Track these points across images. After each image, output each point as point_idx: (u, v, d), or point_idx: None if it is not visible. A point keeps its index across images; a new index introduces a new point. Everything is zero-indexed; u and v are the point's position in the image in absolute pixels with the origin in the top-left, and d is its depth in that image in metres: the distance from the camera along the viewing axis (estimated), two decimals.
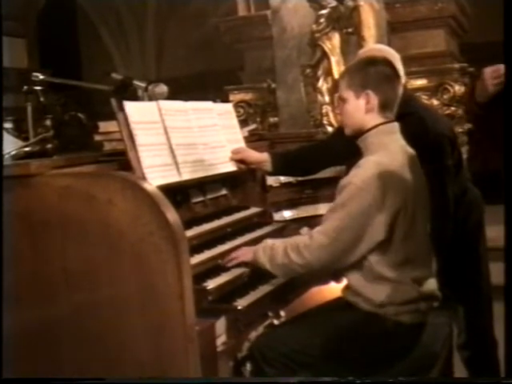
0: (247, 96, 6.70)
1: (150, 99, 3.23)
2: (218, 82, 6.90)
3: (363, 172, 2.76)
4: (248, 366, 2.93)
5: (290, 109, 6.24)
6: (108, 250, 2.22)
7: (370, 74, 2.86)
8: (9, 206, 2.32)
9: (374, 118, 2.86)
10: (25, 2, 9.09)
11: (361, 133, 2.89)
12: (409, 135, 2.95)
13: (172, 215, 2.16)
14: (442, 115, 4.51)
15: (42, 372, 2.35)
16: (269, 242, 2.95)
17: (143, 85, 3.10)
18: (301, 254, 2.76)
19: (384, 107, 2.85)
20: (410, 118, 3.17)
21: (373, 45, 4.33)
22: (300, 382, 2.76)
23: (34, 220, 2.30)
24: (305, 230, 3.32)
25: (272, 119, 6.43)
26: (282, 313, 3.21)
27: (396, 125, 2.90)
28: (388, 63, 2.94)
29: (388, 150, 2.82)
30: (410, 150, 2.91)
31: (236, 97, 6.65)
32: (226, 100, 5.91)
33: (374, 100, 2.84)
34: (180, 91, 4.50)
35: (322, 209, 3.91)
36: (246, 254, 2.96)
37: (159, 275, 2.15)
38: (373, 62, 2.92)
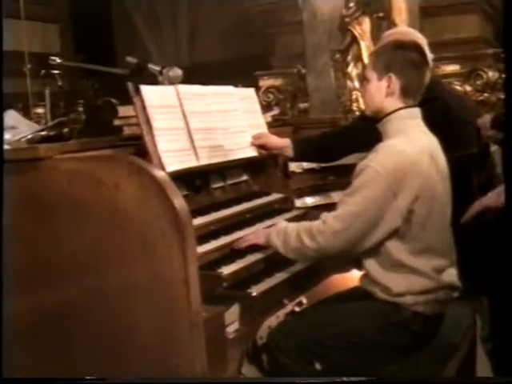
0: (277, 81, 6.67)
1: (171, 83, 3.20)
2: (249, 68, 6.85)
3: (381, 156, 2.71)
4: (264, 356, 2.90)
5: (320, 94, 6.18)
6: (115, 233, 2.21)
7: (395, 57, 2.80)
8: (18, 189, 2.32)
9: (394, 102, 2.80)
10: None
11: (381, 116, 2.82)
12: (432, 120, 2.88)
13: (178, 200, 2.13)
14: (468, 100, 4.40)
15: (50, 356, 2.35)
16: (282, 224, 2.91)
17: (158, 68, 3.07)
18: (314, 239, 2.71)
19: (405, 93, 2.79)
20: (434, 103, 3.11)
21: (400, 28, 4.24)
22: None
23: (42, 203, 2.29)
24: (324, 215, 3.27)
25: (302, 105, 6.39)
26: (304, 300, 3.17)
27: (417, 110, 2.83)
28: (417, 48, 2.86)
29: (407, 135, 2.75)
30: (432, 137, 2.84)
31: (266, 82, 6.63)
32: (255, 85, 5.86)
33: (396, 84, 2.78)
34: (212, 76, 4.48)
35: None
36: (258, 237, 2.93)
37: (164, 260, 2.13)
38: (401, 45, 2.85)
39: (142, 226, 2.14)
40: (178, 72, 3.09)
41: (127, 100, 2.88)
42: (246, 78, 5.89)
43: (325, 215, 2.78)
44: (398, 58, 2.80)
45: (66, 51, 9.77)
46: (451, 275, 2.84)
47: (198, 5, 10.35)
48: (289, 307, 3.11)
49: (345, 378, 2.35)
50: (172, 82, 3.02)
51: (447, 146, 2.90)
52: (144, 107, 2.81)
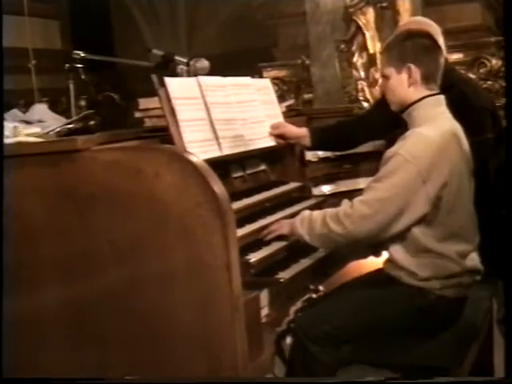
0: (281, 73, 6.69)
1: (189, 75, 3.25)
2: (251, 59, 6.88)
3: (409, 144, 2.75)
4: (288, 340, 2.96)
5: (324, 85, 6.22)
6: (155, 222, 2.24)
7: (407, 47, 2.85)
8: (55, 181, 2.35)
9: (418, 91, 2.85)
10: None
11: (405, 106, 2.87)
12: (450, 108, 2.94)
13: (218, 187, 2.17)
14: (482, 88, 4.46)
15: (88, 347, 2.39)
16: (306, 213, 2.95)
17: (185, 60, 3.11)
18: (341, 224, 2.75)
19: (427, 79, 2.84)
20: (451, 91, 3.15)
21: (412, 17, 4.30)
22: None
23: (80, 194, 2.32)
24: (345, 201, 3.32)
25: (306, 96, 6.42)
26: (321, 287, 3.22)
27: (442, 97, 2.89)
28: (425, 35, 2.92)
29: (435, 123, 2.80)
30: (456, 123, 2.89)
31: (270, 74, 6.63)
32: (260, 77, 5.91)
33: (416, 73, 2.83)
34: (212, 68, 4.51)
35: (360, 183, 3.93)
36: (283, 227, 2.97)
37: (206, 247, 2.17)
38: (409, 35, 2.91)
39: (183, 214, 2.18)
40: (205, 63, 3.14)
41: (129, 94, 2.92)
42: (248, 70, 5.92)
43: (349, 201, 2.82)
44: (410, 47, 2.85)
45: (66, 47, 9.81)
46: (474, 259, 2.90)
47: None
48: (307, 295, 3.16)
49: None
50: (199, 73, 3.07)
51: (465, 132, 2.96)
52: (169, 99, 2.85)
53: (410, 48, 2.83)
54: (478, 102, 3.34)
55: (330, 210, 2.87)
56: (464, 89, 3.36)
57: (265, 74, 6.61)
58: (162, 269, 2.25)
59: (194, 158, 2.22)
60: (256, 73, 6.32)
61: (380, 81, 5.51)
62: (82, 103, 3.92)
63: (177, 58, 3.13)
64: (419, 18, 3.74)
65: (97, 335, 2.39)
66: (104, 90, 4.60)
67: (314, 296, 3.18)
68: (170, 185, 2.20)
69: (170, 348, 2.28)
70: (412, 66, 2.82)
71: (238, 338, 2.18)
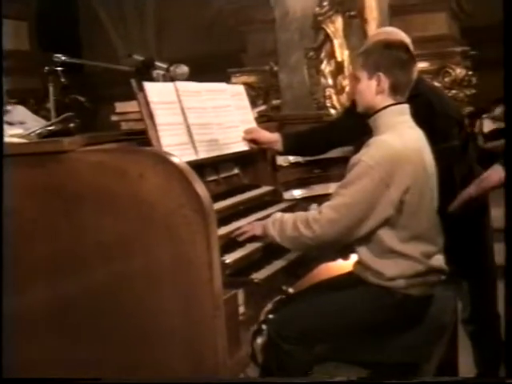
0: (250, 79, 6.80)
1: (165, 80, 3.33)
2: (220, 65, 6.97)
3: (373, 150, 2.86)
4: (259, 340, 3.04)
5: (292, 91, 6.34)
6: (140, 222, 2.31)
7: (383, 57, 2.94)
8: (42, 181, 2.41)
9: (384, 100, 2.95)
10: None
11: (371, 113, 2.99)
12: (417, 116, 3.04)
13: (201, 188, 2.26)
14: (448, 97, 4.59)
15: (77, 343, 2.45)
16: (278, 215, 3.04)
17: (165, 66, 3.19)
18: (310, 228, 2.84)
19: (394, 90, 2.94)
20: (418, 100, 3.25)
21: (384, 28, 4.42)
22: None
23: (67, 194, 2.38)
24: (314, 206, 3.42)
25: (274, 101, 6.53)
26: (291, 289, 3.31)
27: (406, 106, 3.00)
28: (404, 48, 3.02)
29: (397, 130, 2.91)
30: (419, 131, 3.01)
31: (239, 79, 6.75)
32: (228, 82, 5.98)
33: (385, 83, 2.93)
34: None
35: (330, 188, 4.02)
36: (256, 228, 3.05)
37: (189, 246, 2.25)
38: (389, 45, 3.00)
39: (167, 215, 2.26)
40: (184, 69, 3.23)
41: (99, 98, 2.98)
42: (218, 74, 6.00)
43: (317, 206, 2.93)
44: (386, 58, 2.94)
45: (35, 48, 9.81)
46: (439, 260, 3.00)
47: (165, 2, 10.43)
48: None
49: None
50: (178, 78, 3.15)
51: (431, 139, 3.07)
52: (147, 103, 2.93)
53: (385, 58, 2.93)
54: (444, 111, 3.46)
55: (300, 214, 2.97)
56: (431, 98, 3.47)
57: (234, 80, 6.71)
58: (147, 267, 2.32)
59: (177, 161, 2.30)
60: (225, 78, 6.42)
61: (347, 88, 5.66)
62: (49, 105, 3.96)
63: (157, 63, 3.21)
64: (391, 29, 3.84)
65: (82, 333, 2.45)
66: (71, 92, 4.62)
67: (283, 297, 3.28)
68: (154, 186, 2.28)
69: (154, 344, 2.35)
70: (382, 76, 2.92)
71: (219, 335, 2.27)
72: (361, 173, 2.83)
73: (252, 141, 3.59)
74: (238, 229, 3.09)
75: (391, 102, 2.96)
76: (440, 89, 5.03)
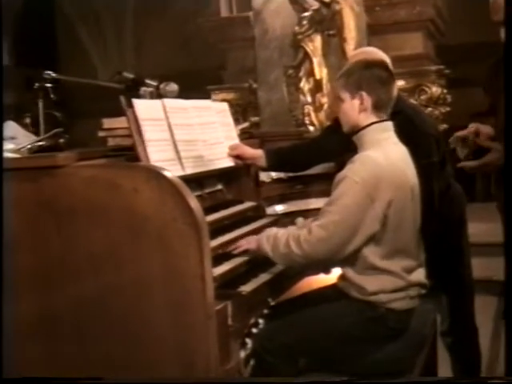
0: (229, 96, 6.85)
1: (151, 97, 3.40)
2: (199, 82, 7.03)
3: (357, 166, 2.94)
4: (242, 354, 3.09)
5: (271, 108, 6.40)
6: (133, 235, 2.37)
7: (364, 76, 3.04)
8: (35, 195, 2.46)
9: (367, 117, 3.04)
10: (5, 0, 9.14)
11: (356, 130, 3.07)
12: (399, 133, 3.14)
13: (194, 202, 2.33)
14: (426, 114, 4.69)
15: (66, 353, 2.50)
16: (273, 230, 3.12)
17: (155, 83, 3.26)
18: (301, 247, 2.91)
19: (377, 107, 3.04)
20: (398, 117, 3.34)
21: (364, 48, 4.53)
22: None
23: (60, 208, 2.44)
24: (300, 219, 3.48)
25: (253, 118, 6.59)
26: (272, 302, 3.37)
27: (389, 124, 3.09)
28: (383, 66, 3.12)
29: (381, 147, 3.00)
30: (403, 147, 3.10)
31: (218, 96, 6.80)
32: (207, 99, 6.04)
33: (368, 101, 3.02)
34: None
35: (311, 203, 4.11)
36: (251, 243, 3.13)
37: (182, 258, 2.31)
38: (369, 65, 3.10)
39: (160, 228, 2.32)
40: (174, 87, 3.30)
41: (77, 113, 3.04)
42: (197, 91, 6.06)
43: (309, 224, 3.00)
44: (367, 77, 3.04)
45: (13, 64, 9.83)
46: (419, 274, 3.09)
47: (144, 18, 10.50)
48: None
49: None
50: (168, 96, 3.22)
51: (412, 155, 3.16)
52: (136, 119, 3.00)
53: (366, 77, 3.02)
54: (423, 128, 3.55)
55: (293, 232, 3.03)
56: (411, 115, 3.57)
57: (213, 97, 6.77)
58: (140, 279, 2.38)
59: (170, 175, 2.37)
60: (205, 95, 6.48)
61: (325, 106, 5.75)
62: (27, 120, 4.01)
63: (147, 81, 3.28)
64: (371, 48, 3.94)
65: (71, 346, 2.49)
66: (46, 107, 4.66)
67: (266, 311, 3.33)
68: (147, 200, 2.34)
69: (146, 355, 2.40)
70: (364, 94, 3.02)
71: (211, 346, 2.33)
72: (346, 189, 2.90)
73: (236, 156, 3.67)
74: (224, 244, 3.16)
75: (375, 119, 3.05)
76: (418, 106, 5.14)
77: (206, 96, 6.52)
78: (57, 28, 11.82)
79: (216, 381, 2.45)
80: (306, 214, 3.86)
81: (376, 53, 3.69)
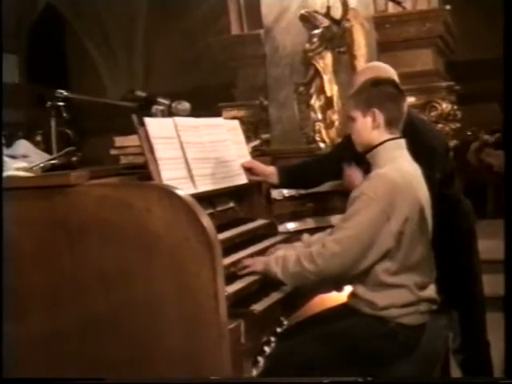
0: (240, 113, 6.86)
1: (163, 115, 3.42)
2: (210, 99, 7.06)
3: (373, 183, 2.96)
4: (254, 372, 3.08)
5: (281, 126, 6.41)
6: (145, 254, 2.38)
7: (374, 93, 3.06)
8: (48, 213, 2.48)
9: (381, 135, 3.06)
10: (17, 18, 9.23)
11: (369, 148, 3.08)
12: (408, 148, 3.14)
13: (207, 221, 2.34)
14: (435, 128, 4.68)
15: (78, 371, 2.50)
16: (281, 252, 3.14)
17: (167, 102, 3.27)
18: (314, 262, 2.92)
19: (390, 124, 3.05)
20: (405, 130, 3.35)
21: (370, 64, 4.54)
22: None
23: (72, 227, 2.46)
24: (305, 235, 3.49)
25: (264, 136, 6.60)
26: (285, 322, 3.36)
27: (403, 141, 3.10)
28: (392, 83, 3.14)
29: (395, 164, 3.01)
30: (416, 165, 3.11)
31: (229, 114, 6.81)
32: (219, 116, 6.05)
33: (380, 118, 3.04)
34: None
35: (322, 221, 4.11)
36: (257, 264, 3.12)
37: (195, 277, 2.32)
38: (378, 82, 3.13)
39: (173, 247, 2.33)
40: (186, 105, 3.32)
41: (85, 130, 3.06)
42: (208, 108, 6.09)
43: (323, 239, 3.00)
44: (377, 94, 3.06)
45: (24, 81, 9.90)
46: (430, 290, 3.10)
47: (154, 36, 10.56)
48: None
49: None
50: (180, 114, 3.23)
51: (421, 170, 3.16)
52: (148, 138, 3.01)
53: (376, 94, 3.05)
54: (430, 142, 3.55)
55: (303, 250, 3.07)
56: (418, 128, 3.57)
57: (224, 114, 6.78)
58: (152, 297, 2.39)
59: (182, 194, 2.38)
60: (216, 112, 6.50)
61: (336, 123, 5.75)
62: (38, 138, 4.03)
63: (159, 99, 3.30)
64: (378, 64, 3.96)
65: (82, 363, 2.50)
66: (58, 125, 4.68)
67: (278, 330, 3.33)
68: (160, 219, 2.35)
69: (158, 373, 2.40)
70: (376, 111, 3.03)
71: (224, 364, 2.33)
72: (362, 205, 2.92)
73: (248, 169, 3.68)
74: (236, 263, 3.16)
75: (388, 136, 3.06)
76: (427, 120, 5.15)
77: (217, 113, 6.55)
78: (68, 46, 11.91)
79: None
80: (317, 231, 3.85)
81: (383, 68, 3.72)
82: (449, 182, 3.70)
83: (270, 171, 3.72)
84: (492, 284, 4.50)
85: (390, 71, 3.72)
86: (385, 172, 2.98)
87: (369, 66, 4.13)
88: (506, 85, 2.84)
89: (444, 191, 3.59)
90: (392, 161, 3.02)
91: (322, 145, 5.69)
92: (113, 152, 3.44)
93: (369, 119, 3.05)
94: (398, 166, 3.00)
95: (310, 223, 4.14)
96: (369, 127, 3.06)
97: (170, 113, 3.36)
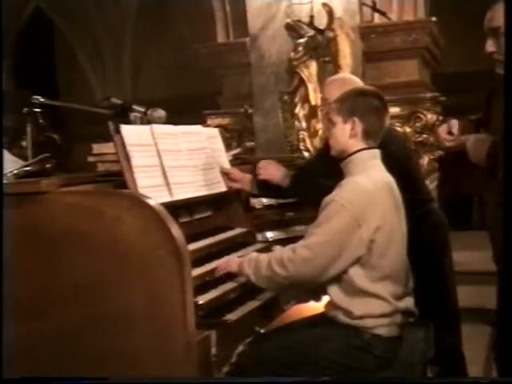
0: (225, 121, 6.86)
1: (142, 123, 3.40)
2: (195, 106, 7.05)
3: (344, 191, 2.95)
4: None
5: (266, 134, 6.42)
6: (116, 263, 2.36)
7: (359, 103, 3.06)
8: (18, 221, 2.45)
9: (356, 143, 3.05)
10: (5, 23, 9.19)
11: (344, 156, 3.08)
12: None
13: (176, 231, 2.31)
14: (395, 133, 4.58)
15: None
16: (254, 254, 3.11)
17: (142, 109, 3.26)
18: (285, 267, 2.91)
19: (367, 135, 3.05)
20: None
21: (340, 75, 4.54)
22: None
23: (43, 235, 2.43)
24: (277, 247, 3.47)
25: (248, 144, 6.59)
26: (262, 330, 3.35)
27: (377, 151, 3.10)
28: (378, 96, 3.13)
29: (368, 173, 3.01)
30: (389, 175, 3.10)
31: (214, 121, 6.80)
32: (203, 124, 6.04)
33: (359, 127, 3.03)
34: None
35: (302, 230, 4.07)
36: (231, 265, 3.12)
37: (164, 286, 2.30)
38: (364, 93, 3.13)
39: (143, 256, 2.31)
40: (161, 113, 3.30)
41: (71, 136, 3.03)
42: (193, 116, 6.07)
43: (293, 245, 2.99)
44: (361, 104, 3.06)
45: (11, 87, 9.86)
46: (407, 301, 3.08)
47: (142, 43, 10.56)
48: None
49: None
50: (156, 122, 3.21)
51: None
52: (124, 145, 2.99)
53: (360, 104, 3.05)
54: (387, 147, 3.53)
55: (274, 254, 3.05)
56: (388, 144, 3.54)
57: (209, 121, 6.77)
58: (122, 306, 2.36)
59: (153, 203, 2.35)
60: (200, 119, 6.49)
61: (320, 132, 5.75)
62: (23, 143, 4.00)
63: (134, 106, 3.28)
64: (349, 76, 3.96)
65: (61, 364, 2.47)
66: (46, 130, 4.66)
67: (254, 338, 3.31)
68: (130, 228, 2.33)
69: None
70: (357, 120, 3.03)
71: (191, 374, 2.30)
72: (333, 212, 2.91)
73: (227, 175, 3.67)
74: (213, 272, 3.14)
75: (363, 146, 3.06)
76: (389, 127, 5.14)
77: (202, 121, 6.53)
78: (57, 52, 11.88)
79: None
80: (296, 240, 3.83)
81: (354, 79, 3.72)
82: (413, 187, 3.68)
83: (246, 179, 3.70)
84: (476, 296, 4.51)
85: (358, 83, 3.73)
86: (356, 180, 2.99)
87: (339, 76, 4.13)
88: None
89: (409, 196, 3.56)
90: (365, 170, 3.03)
91: (305, 154, 5.69)
92: (90, 159, 3.41)
93: (348, 126, 3.05)
94: (371, 175, 3.01)
95: (289, 232, 4.11)
96: (346, 134, 3.06)
97: (148, 120, 3.33)
